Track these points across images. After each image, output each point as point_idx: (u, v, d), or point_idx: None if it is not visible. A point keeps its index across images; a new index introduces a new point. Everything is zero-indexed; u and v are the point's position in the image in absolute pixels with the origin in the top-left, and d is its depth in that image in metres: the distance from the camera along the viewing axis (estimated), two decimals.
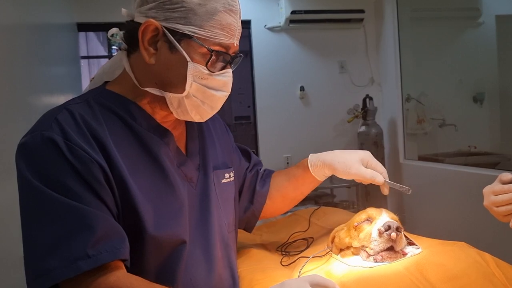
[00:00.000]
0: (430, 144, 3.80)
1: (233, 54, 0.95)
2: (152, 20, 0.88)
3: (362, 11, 3.89)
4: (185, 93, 0.92)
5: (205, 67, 0.90)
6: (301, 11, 3.77)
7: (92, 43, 6.77)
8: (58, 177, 0.80)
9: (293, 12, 3.75)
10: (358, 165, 1.21)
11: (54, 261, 0.75)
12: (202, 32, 0.88)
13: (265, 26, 3.94)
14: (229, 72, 0.95)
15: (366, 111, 3.76)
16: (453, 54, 3.68)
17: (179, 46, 0.89)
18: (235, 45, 0.94)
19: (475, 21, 3.55)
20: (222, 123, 1.24)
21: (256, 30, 3.94)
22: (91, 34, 6.61)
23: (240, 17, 0.95)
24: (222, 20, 0.90)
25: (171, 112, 0.97)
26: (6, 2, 1.83)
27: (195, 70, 0.90)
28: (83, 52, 5.89)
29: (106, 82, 1.02)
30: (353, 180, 3.67)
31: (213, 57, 0.90)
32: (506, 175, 1.05)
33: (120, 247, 0.81)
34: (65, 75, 3.22)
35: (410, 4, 3.76)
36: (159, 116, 0.99)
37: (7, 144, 1.63)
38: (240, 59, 0.99)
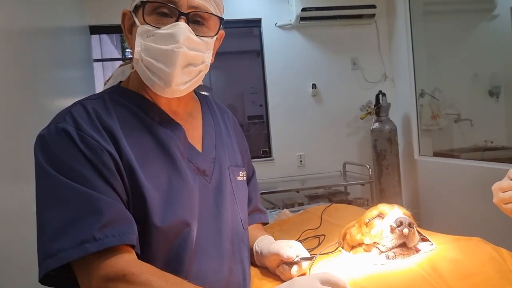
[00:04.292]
0: (445, 139, 3.74)
1: (189, 11, 0.93)
2: (125, 9, 0.97)
3: (373, 7, 3.84)
4: (136, 54, 0.94)
5: (148, 24, 0.93)
6: (311, 8, 3.74)
7: (106, 46, 6.84)
8: (70, 164, 0.84)
9: (303, 9, 3.72)
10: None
11: (63, 243, 0.78)
12: None
13: (275, 24, 3.92)
14: (178, 25, 0.92)
15: (379, 108, 3.72)
16: (467, 47, 3.62)
17: (135, 18, 0.95)
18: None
19: (489, 14, 3.49)
20: (240, 129, 1.26)
21: (266, 29, 3.92)
22: (105, 37, 6.68)
23: None
24: None
25: (159, 95, 0.98)
26: (19, 7, 1.84)
27: (142, 29, 0.93)
28: (97, 55, 5.95)
29: (121, 82, 1.07)
30: (367, 177, 3.65)
31: (150, 10, 0.93)
32: None
33: (127, 232, 0.83)
34: (78, 77, 3.24)
35: None
36: (166, 107, 1.01)
37: (21, 146, 1.64)
38: (207, 17, 0.97)
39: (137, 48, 0.93)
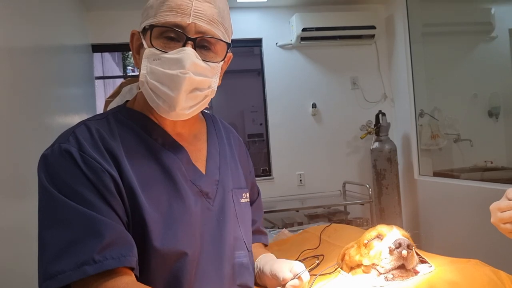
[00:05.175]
0: (445, 159, 3.75)
1: (196, 36, 0.93)
2: (133, 29, 0.99)
3: (373, 27, 3.89)
4: (141, 76, 0.94)
5: (155, 48, 0.93)
6: (312, 28, 3.79)
7: (107, 63, 6.91)
8: (72, 185, 0.85)
9: (304, 30, 3.77)
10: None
11: (63, 264, 0.78)
12: (154, 20, 0.94)
13: (276, 44, 3.97)
14: (184, 50, 0.92)
15: (379, 127, 3.74)
16: (466, 68, 3.65)
17: (143, 40, 0.95)
18: (189, 22, 0.92)
19: (488, 35, 3.52)
20: (245, 150, 1.26)
21: (267, 48, 3.97)
22: (107, 55, 6.75)
23: (203, 0, 0.94)
24: (172, 3, 0.93)
25: (164, 117, 0.98)
26: (23, 25, 1.87)
27: (149, 52, 0.94)
28: (99, 73, 6.01)
29: (127, 101, 1.08)
30: (367, 197, 3.63)
31: (157, 34, 0.93)
32: None
33: (126, 255, 0.83)
34: (80, 95, 3.27)
35: (421, 19, 3.75)
36: (170, 129, 1.02)
37: (22, 163, 1.65)
38: (214, 42, 0.96)
39: (143, 71, 0.94)
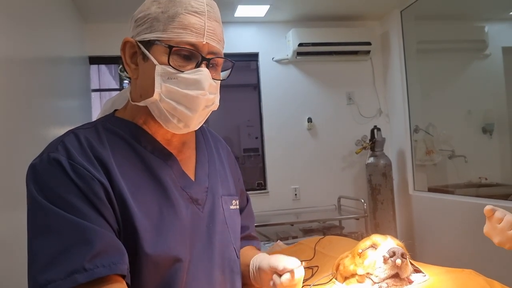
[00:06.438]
0: (439, 175, 3.76)
1: (210, 57, 0.95)
2: (127, 37, 0.97)
3: (369, 44, 3.94)
4: (156, 95, 0.93)
5: (171, 66, 0.92)
6: (308, 43, 3.82)
7: (104, 76, 6.92)
8: (61, 194, 0.83)
9: (300, 45, 3.80)
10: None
11: (53, 273, 0.77)
12: (165, 35, 0.92)
13: (272, 58, 4.00)
14: (202, 71, 0.93)
15: (374, 142, 3.75)
16: (460, 85, 3.69)
17: (148, 53, 0.94)
18: (204, 43, 0.93)
19: (481, 53, 3.57)
20: (234, 158, 1.26)
21: (263, 63, 4.00)
22: (103, 68, 6.76)
23: (212, 19, 0.96)
24: (184, 21, 0.92)
25: (159, 127, 0.99)
26: (21, 36, 1.88)
27: (162, 71, 0.93)
28: (95, 85, 6.02)
29: (116, 110, 1.07)
30: (362, 212, 3.62)
31: (172, 52, 0.92)
32: (489, 207, 1.05)
33: (117, 263, 0.82)
34: (76, 107, 3.27)
35: (416, 36, 3.80)
36: (161, 137, 1.01)
37: (17, 174, 1.64)
38: (220, 61, 0.99)
39: (156, 89, 0.93)
